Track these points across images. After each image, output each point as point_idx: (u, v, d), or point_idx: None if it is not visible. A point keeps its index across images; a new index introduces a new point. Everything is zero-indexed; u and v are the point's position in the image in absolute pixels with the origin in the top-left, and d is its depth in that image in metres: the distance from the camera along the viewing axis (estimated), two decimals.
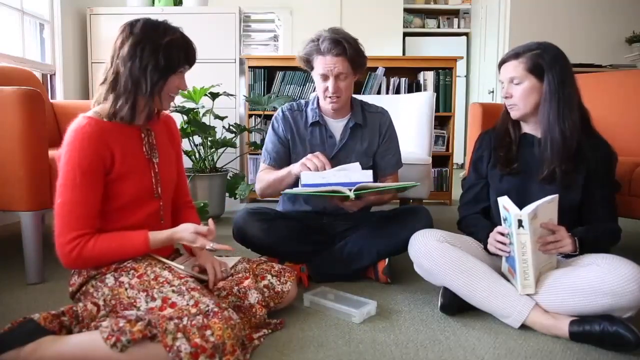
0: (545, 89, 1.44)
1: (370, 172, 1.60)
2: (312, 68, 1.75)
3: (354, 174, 1.57)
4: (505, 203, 1.35)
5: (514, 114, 1.52)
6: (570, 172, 1.44)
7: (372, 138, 1.84)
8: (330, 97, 1.73)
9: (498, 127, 1.60)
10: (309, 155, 1.64)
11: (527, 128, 1.56)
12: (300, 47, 1.75)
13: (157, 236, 1.27)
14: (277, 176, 1.73)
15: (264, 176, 1.80)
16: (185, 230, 1.28)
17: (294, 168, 1.67)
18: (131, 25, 1.25)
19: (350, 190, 1.49)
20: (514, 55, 1.48)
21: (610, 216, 1.49)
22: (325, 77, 1.71)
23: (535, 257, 1.32)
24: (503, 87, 1.52)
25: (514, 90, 1.49)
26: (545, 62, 1.44)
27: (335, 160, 1.76)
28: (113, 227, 1.27)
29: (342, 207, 1.63)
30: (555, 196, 1.35)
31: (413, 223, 1.66)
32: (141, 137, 1.34)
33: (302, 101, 1.91)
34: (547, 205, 1.33)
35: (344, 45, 1.67)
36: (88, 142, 1.21)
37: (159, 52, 1.23)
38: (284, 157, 1.83)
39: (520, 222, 1.29)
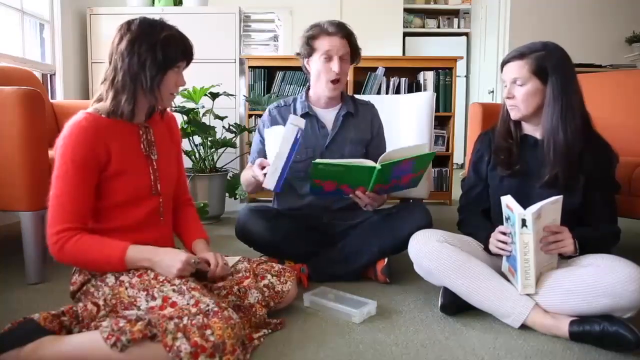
0: (548, 92, 1.43)
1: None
2: (311, 51, 1.77)
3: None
4: (508, 202, 1.35)
5: (515, 115, 1.51)
6: (572, 176, 1.44)
7: (364, 127, 1.87)
8: (332, 79, 1.76)
9: (498, 128, 1.59)
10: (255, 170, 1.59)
11: (527, 129, 1.56)
12: (302, 34, 1.79)
13: (137, 249, 1.22)
14: (249, 178, 1.71)
15: (242, 175, 1.85)
16: (173, 257, 1.23)
17: (258, 176, 1.59)
18: (128, 23, 1.26)
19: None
20: (519, 55, 1.46)
21: (610, 218, 1.49)
22: (329, 58, 1.74)
23: (537, 257, 1.32)
24: (505, 87, 1.51)
25: (516, 91, 1.47)
26: (550, 65, 1.42)
27: (329, 150, 1.80)
28: (112, 225, 1.28)
29: (359, 202, 1.62)
30: (560, 197, 1.35)
31: (413, 220, 1.68)
32: (139, 134, 1.34)
33: (290, 98, 1.93)
34: (551, 206, 1.33)
35: (348, 30, 1.77)
36: (84, 137, 1.21)
37: (157, 47, 1.23)
38: (265, 156, 1.84)
39: (524, 221, 1.29)
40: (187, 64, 1.34)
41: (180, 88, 1.37)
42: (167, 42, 1.25)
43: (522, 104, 1.47)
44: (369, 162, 1.51)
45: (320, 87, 1.80)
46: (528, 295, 1.36)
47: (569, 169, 1.43)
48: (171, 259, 1.23)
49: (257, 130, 1.92)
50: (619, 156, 1.52)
